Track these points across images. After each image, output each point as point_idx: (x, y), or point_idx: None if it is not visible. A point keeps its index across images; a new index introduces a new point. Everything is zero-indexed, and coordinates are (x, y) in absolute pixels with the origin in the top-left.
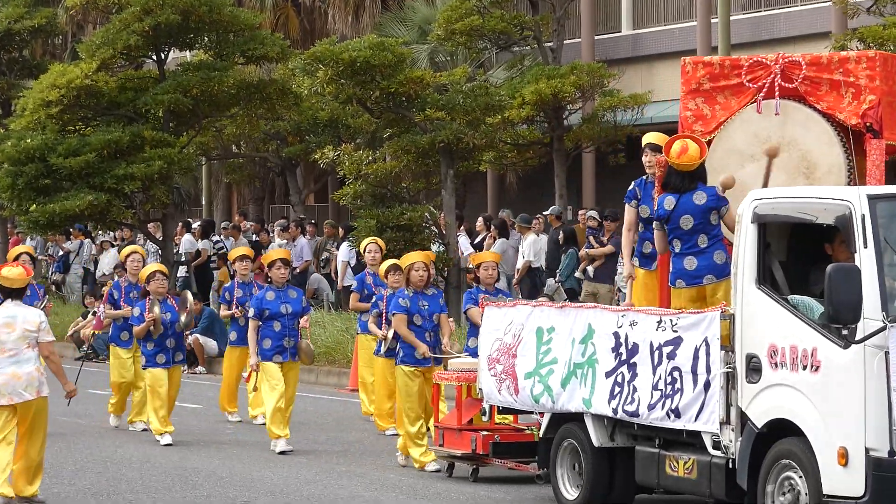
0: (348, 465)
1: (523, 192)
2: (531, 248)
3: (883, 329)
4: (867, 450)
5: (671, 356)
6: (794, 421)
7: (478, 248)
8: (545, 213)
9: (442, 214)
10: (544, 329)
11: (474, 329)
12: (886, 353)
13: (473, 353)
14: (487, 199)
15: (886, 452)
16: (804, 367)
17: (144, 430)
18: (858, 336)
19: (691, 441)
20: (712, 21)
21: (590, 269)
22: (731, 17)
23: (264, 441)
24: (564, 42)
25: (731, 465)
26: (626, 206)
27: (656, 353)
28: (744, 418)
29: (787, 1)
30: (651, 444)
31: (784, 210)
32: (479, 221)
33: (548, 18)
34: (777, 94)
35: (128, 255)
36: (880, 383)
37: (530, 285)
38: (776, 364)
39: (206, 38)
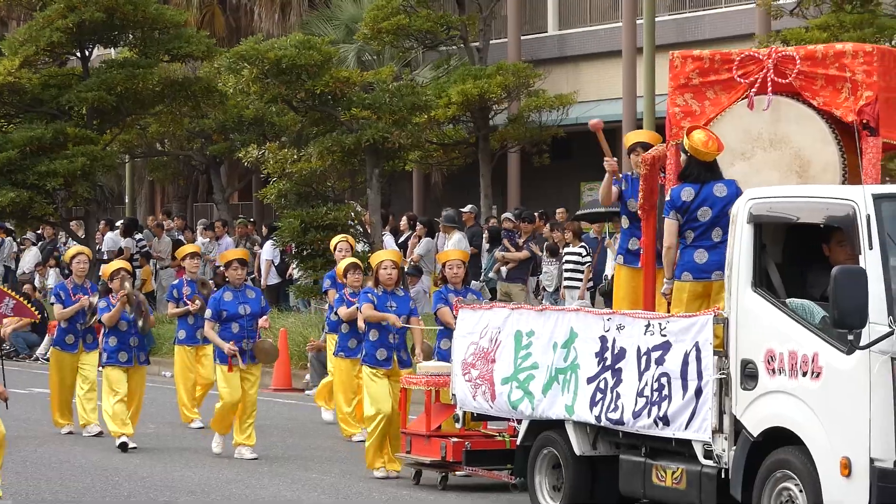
0: (270, 464)
1: (449, 191)
2: (456, 247)
3: (890, 334)
4: (871, 460)
5: (660, 361)
6: (792, 429)
7: (402, 247)
8: (463, 210)
9: (367, 214)
10: (523, 333)
11: (445, 331)
12: (893, 360)
13: (444, 355)
14: (413, 199)
15: (892, 463)
16: (804, 374)
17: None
18: (863, 341)
19: (680, 450)
20: (637, 22)
21: (503, 269)
22: (657, 19)
23: (186, 442)
24: (490, 42)
25: (723, 476)
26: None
27: (644, 359)
28: (738, 426)
29: (712, 2)
30: (636, 453)
31: (782, 210)
32: (404, 221)
33: (474, 18)
34: (770, 89)
35: (73, 256)
36: (886, 390)
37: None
38: (774, 370)
39: (131, 36)
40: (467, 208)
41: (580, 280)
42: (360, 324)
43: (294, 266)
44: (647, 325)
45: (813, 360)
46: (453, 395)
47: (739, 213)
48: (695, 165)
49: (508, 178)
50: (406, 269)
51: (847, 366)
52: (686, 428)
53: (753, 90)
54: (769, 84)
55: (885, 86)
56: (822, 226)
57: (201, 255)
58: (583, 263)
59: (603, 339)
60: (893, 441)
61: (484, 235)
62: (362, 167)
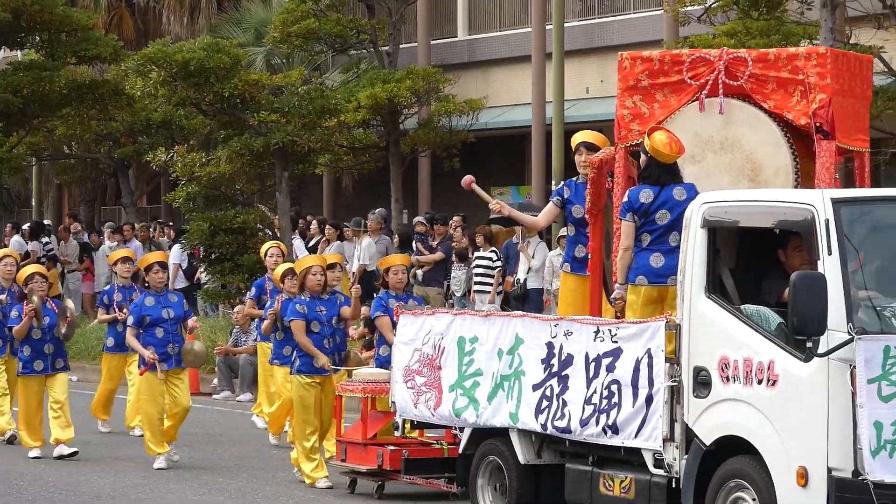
0: (177, 469)
1: (359, 195)
2: (366, 251)
3: (850, 341)
4: (829, 469)
5: (610, 368)
6: (747, 438)
7: (312, 251)
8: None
9: (276, 217)
10: (466, 339)
11: (383, 338)
12: (853, 368)
13: (383, 362)
14: (323, 202)
15: (850, 473)
16: (759, 382)
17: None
18: (822, 349)
19: (629, 459)
20: (547, 27)
21: (419, 272)
22: (566, 24)
23: (95, 447)
24: (400, 46)
25: (673, 485)
26: (550, 202)
27: (592, 365)
28: (690, 435)
29: (621, 8)
30: (583, 462)
31: (737, 214)
32: (314, 225)
33: (384, 23)
34: (721, 91)
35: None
36: (845, 398)
37: (366, 289)
38: (728, 378)
39: (38, 38)
40: (375, 213)
41: (490, 285)
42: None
43: (202, 270)
44: (597, 332)
45: (769, 368)
46: (393, 402)
47: (693, 217)
48: (655, 167)
49: (419, 183)
50: None
51: (805, 373)
52: (636, 436)
53: (704, 92)
54: (720, 86)
55: (839, 89)
56: (777, 231)
57: (133, 259)
58: (493, 268)
59: (549, 346)
60: (852, 450)
61: (394, 240)
62: (271, 171)
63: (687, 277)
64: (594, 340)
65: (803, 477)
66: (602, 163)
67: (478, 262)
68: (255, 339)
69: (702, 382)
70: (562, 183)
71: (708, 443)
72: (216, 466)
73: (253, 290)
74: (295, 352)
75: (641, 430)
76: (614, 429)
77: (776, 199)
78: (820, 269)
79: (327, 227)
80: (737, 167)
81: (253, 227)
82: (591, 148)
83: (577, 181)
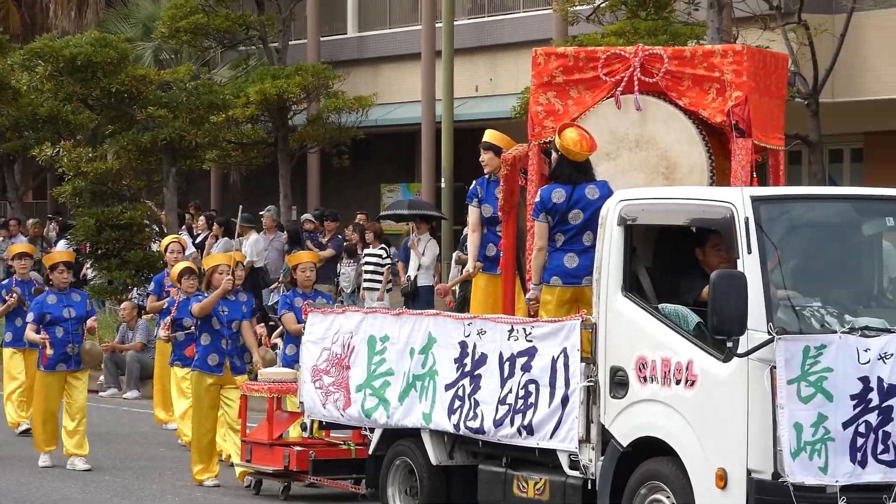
0: (62, 467)
1: (247, 191)
2: (253, 247)
3: (770, 341)
4: (749, 471)
5: (525, 368)
6: (665, 440)
7: (199, 247)
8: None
9: (163, 213)
10: (377, 338)
11: (291, 337)
12: (773, 368)
13: (289, 361)
14: (211, 198)
15: (770, 475)
16: (678, 382)
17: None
18: (742, 349)
19: (544, 460)
20: (437, 25)
21: None
22: (455, 22)
23: None
24: (290, 43)
25: (589, 487)
26: (469, 206)
27: (507, 365)
28: (606, 436)
29: (510, 7)
30: (496, 463)
31: (655, 212)
32: (201, 220)
33: (273, 19)
34: (636, 88)
35: None
36: (764, 400)
37: (252, 285)
38: (645, 378)
39: None
40: (271, 209)
41: (380, 282)
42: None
43: (88, 266)
44: (511, 331)
45: (687, 368)
46: (301, 402)
47: (609, 214)
48: (566, 165)
49: (308, 179)
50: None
51: (724, 374)
52: (551, 437)
53: (619, 89)
54: (636, 83)
55: (755, 86)
56: (694, 229)
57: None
58: (383, 265)
59: (463, 345)
60: (772, 452)
61: (283, 236)
62: (159, 166)
63: (603, 276)
64: (508, 339)
65: (722, 479)
66: (515, 160)
67: (367, 258)
68: (156, 336)
69: (619, 383)
70: (473, 182)
71: (625, 444)
72: (102, 464)
73: (152, 285)
74: (195, 347)
75: (557, 431)
76: (529, 430)
77: (695, 197)
78: (739, 268)
79: (215, 223)
80: (651, 165)
81: (140, 223)
82: (490, 148)
83: (489, 179)
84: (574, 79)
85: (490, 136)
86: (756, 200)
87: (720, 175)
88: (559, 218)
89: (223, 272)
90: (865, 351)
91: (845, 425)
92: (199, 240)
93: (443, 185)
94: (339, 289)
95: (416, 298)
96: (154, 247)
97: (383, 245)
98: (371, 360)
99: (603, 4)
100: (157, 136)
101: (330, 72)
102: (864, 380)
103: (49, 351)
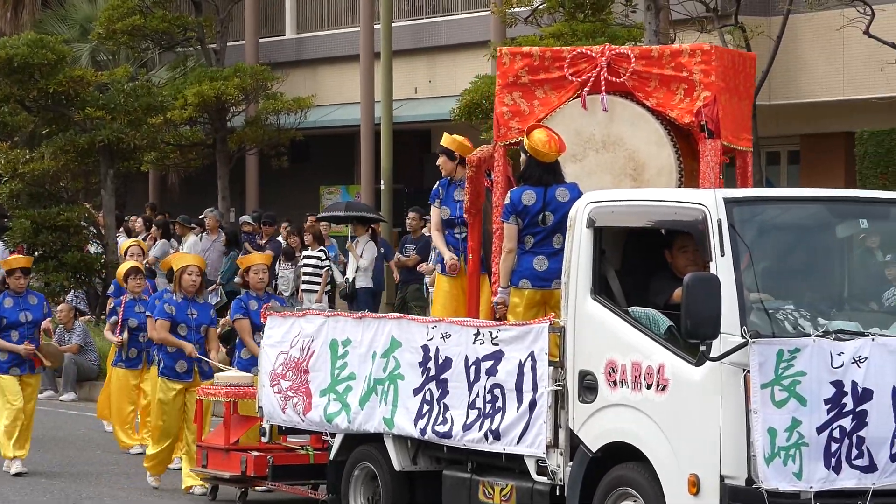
0: None
1: (186, 193)
2: (191, 249)
3: (744, 345)
4: (722, 477)
5: (491, 372)
6: (635, 445)
7: None
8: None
9: (101, 215)
10: (339, 342)
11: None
12: (746, 372)
13: (244, 365)
14: (149, 200)
15: (744, 480)
16: (649, 386)
17: None
18: (715, 352)
19: (510, 465)
20: (375, 27)
21: None
22: (394, 24)
23: None
24: (228, 44)
25: (557, 493)
26: (431, 206)
27: (472, 369)
28: (575, 441)
29: (448, 9)
30: (461, 469)
31: (625, 214)
32: (139, 222)
33: (211, 20)
34: (603, 88)
35: None
36: (738, 404)
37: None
38: (615, 382)
39: None
40: (214, 211)
41: (319, 284)
42: (154, 335)
43: None
44: (477, 334)
45: (658, 372)
46: (260, 407)
47: (578, 216)
48: (535, 167)
49: (247, 181)
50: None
51: (696, 378)
52: (518, 442)
53: (586, 89)
54: (602, 83)
55: (724, 86)
56: (662, 231)
57: None
58: (322, 267)
59: (425, 349)
60: (745, 457)
61: (221, 238)
62: (96, 168)
63: (572, 279)
64: (474, 343)
65: (695, 485)
66: (480, 161)
67: (306, 260)
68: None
69: (588, 387)
70: (436, 184)
71: (594, 449)
72: (39, 466)
73: (112, 287)
74: (159, 353)
75: (524, 436)
76: (496, 434)
77: (666, 199)
78: (712, 271)
79: (153, 224)
80: (619, 166)
81: (77, 225)
82: (444, 152)
83: (450, 181)
84: (540, 78)
85: (445, 140)
86: (729, 202)
87: (688, 177)
88: (529, 220)
89: (192, 273)
90: (839, 355)
91: (819, 430)
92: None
93: (382, 187)
94: (278, 291)
95: (355, 300)
96: (91, 249)
97: (322, 248)
98: (334, 364)
99: (541, 6)
100: (95, 137)
101: (268, 73)
102: (838, 384)
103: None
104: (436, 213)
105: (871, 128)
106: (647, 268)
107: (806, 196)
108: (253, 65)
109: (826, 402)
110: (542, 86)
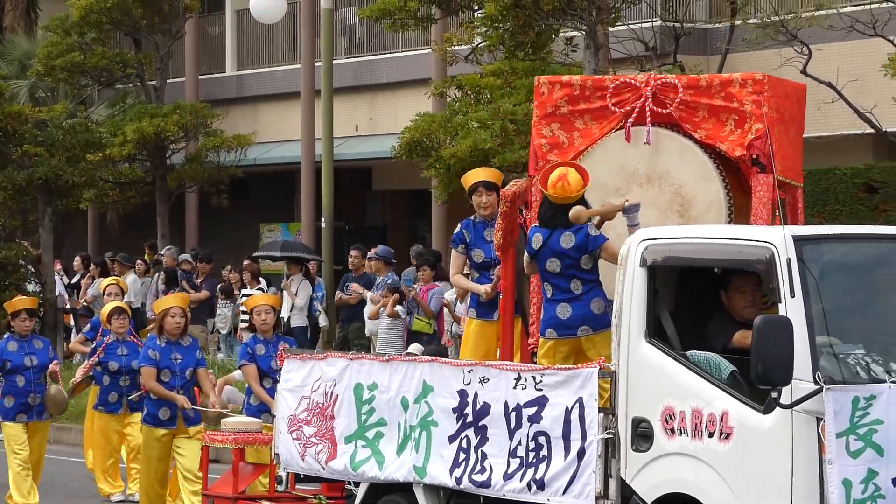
0: None
1: (125, 231)
2: (131, 287)
3: (819, 391)
4: None
5: (534, 419)
6: (695, 496)
7: (74, 287)
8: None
9: (39, 252)
10: (364, 386)
11: (251, 387)
12: (819, 420)
13: (253, 412)
14: (88, 238)
15: None
16: (711, 435)
17: None
18: (786, 399)
19: None
20: (316, 64)
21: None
22: (335, 61)
23: None
24: (168, 81)
25: None
26: (453, 251)
27: (513, 415)
28: (627, 492)
29: (389, 47)
30: None
31: (684, 252)
32: (77, 260)
33: (151, 57)
34: (649, 119)
35: None
36: (811, 455)
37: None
38: (673, 430)
39: None
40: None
41: None
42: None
43: None
44: (518, 378)
45: (722, 420)
46: (276, 454)
47: (630, 255)
48: (547, 207)
49: (186, 219)
50: (78, 310)
51: (764, 426)
52: (565, 493)
53: (630, 120)
54: (648, 114)
55: (776, 118)
56: (716, 270)
57: None
58: None
59: (462, 393)
60: None
61: (160, 276)
62: (34, 205)
63: (624, 320)
64: (515, 388)
65: None
66: (515, 196)
67: (244, 299)
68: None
69: (642, 435)
70: (458, 226)
71: (649, 501)
72: None
73: (88, 327)
74: (144, 400)
75: (571, 486)
76: (540, 484)
77: (730, 237)
78: (781, 312)
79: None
80: (665, 201)
81: (15, 263)
82: (491, 187)
83: (475, 221)
84: (580, 108)
85: (488, 174)
86: (798, 240)
87: (738, 213)
88: (541, 266)
89: (175, 315)
90: None
91: None
92: (74, 280)
93: (323, 224)
94: (215, 329)
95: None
96: (30, 287)
97: (261, 286)
98: (360, 409)
99: (481, 45)
100: (33, 174)
101: (208, 110)
102: None
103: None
104: (458, 258)
105: (809, 167)
106: (702, 309)
107: (877, 234)
108: (193, 102)
109: None
110: (583, 116)
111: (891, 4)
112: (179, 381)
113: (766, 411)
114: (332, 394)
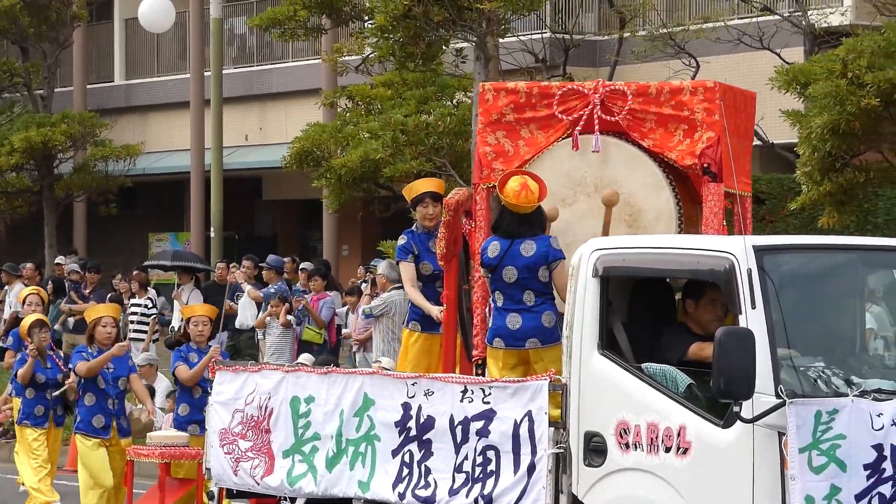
0: None
1: (13, 240)
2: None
3: (781, 405)
4: None
5: (482, 433)
6: None
7: None
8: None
9: None
10: (301, 399)
11: (185, 395)
12: (781, 435)
13: (181, 423)
14: None
15: None
16: (668, 450)
17: None
18: (746, 413)
19: None
20: (206, 74)
21: (70, 320)
22: (224, 71)
23: None
24: (56, 90)
25: None
26: (402, 262)
27: (459, 429)
28: None
29: (279, 57)
30: None
31: (639, 262)
32: None
33: (38, 66)
34: (597, 127)
35: None
36: (773, 470)
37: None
38: (628, 444)
39: None
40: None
41: (146, 331)
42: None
43: None
44: (465, 391)
45: (679, 434)
46: (208, 469)
47: (582, 265)
48: (507, 216)
49: (74, 228)
50: None
51: (724, 441)
52: None
53: (578, 128)
54: (596, 122)
55: (727, 126)
56: (667, 281)
57: None
58: (148, 315)
59: (406, 406)
60: None
61: (48, 287)
62: None
63: (576, 332)
64: (461, 401)
65: None
66: (458, 204)
67: (133, 308)
68: (10, 393)
69: (595, 449)
70: (405, 237)
71: None
72: None
73: (10, 339)
74: (77, 408)
75: (520, 502)
76: (488, 500)
77: (687, 247)
78: (741, 324)
79: None
80: (613, 211)
81: None
82: (437, 198)
83: (418, 232)
84: (526, 117)
85: (431, 185)
86: (759, 250)
87: (688, 222)
88: (494, 275)
89: (107, 325)
90: (878, 416)
91: (858, 497)
92: None
93: (212, 234)
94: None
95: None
96: None
97: (149, 296)
98: (297, 423)
99: (372, 55)
100: None
101: (97, 120)
102: (878, 447)
103: None
104: (409, 269)
105: None
106: (655, 321)
107: (840, 244)
108: (81, 111)
109: (865, 467)
110: (529, 124)
111: (777, 17)
112: (114, 392)
113: (726, 425)
114: (266, 407)
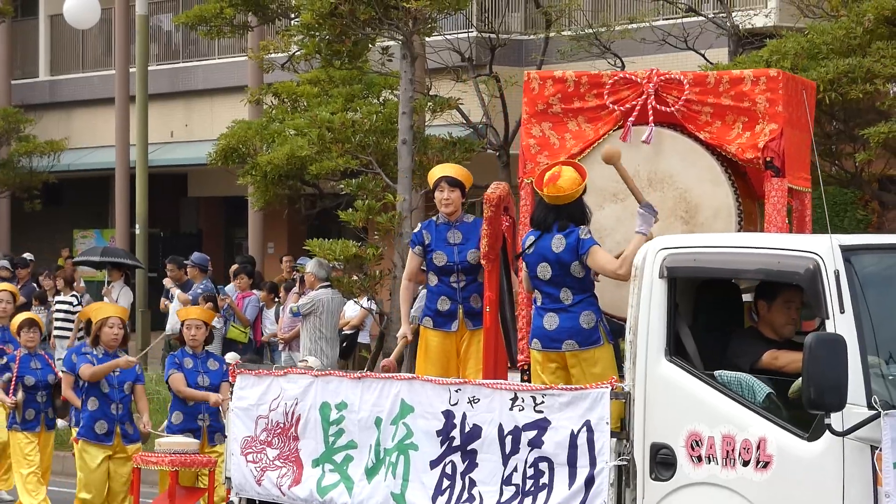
0: None
1: None
2: None
3: (876, 416)
4: None
5: (535, 443)
6: None
7: None
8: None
9: None
10: (332, 405)
11: (178, 403)
12: (874, 449)
13: (175, 430)
14: None
15: None
16: (745, 463)
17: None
18: (836, 425)
19: None
20: (131, 70)
21: None
22: (150, 67)
23: None
24: None
25: None
26: (411, 251)
27: (509, 439)
28: None
29: (205, 54)
30: None
31: (711, 263)
32: None
33: None
34: (651, 118)
35: None
36: (864, 486)
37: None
38: (700, 457)
39: None
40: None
41: (71, 329)
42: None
43: None
44: (514, 399)
45: (759, 447)
46: (228, 478)
47: (647, 265)
48: (539, 207)
49: None
50: None
51: (810, 455)
52: None
53: (631, 119)
54: (650, 112)
55: (789, 118)
56: (734, 282)
57: None
58: (74, 312)
59: (448, 414)
60: None
61: None
62: None
63: (640, 336)
64: (511, 409)
65: None
66: (500, 199)
67: (58, 305)
68: None
69: (662, 462)
70: (419, 226)
71: None
72: None
73: None
74: (80, 414)
75: None
76: None
77: (766, 246)
78: (829, 330)
79: None
80: (668, 207)
81: None
82: (454, 184)
83: (438, 222)
84: (574, 107)
85: (452, 170)
86: (847, 250)
87: (747, 220)
88: (531, 271)
89: (114, 326)
90: None
91: None
92: None
93: (137, 231)
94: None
95: None
96: None
97: (74, 292)
98: (327, 431)
99: (298, 53)
100: None
101: (21, 115)
102: None
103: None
104: (412, 261)
105: None
106: (722, 325)
107: None
108: (5, 107)
109: None
110: (577, 116)
111: (701, 19)
112: (118, 396)
113: (812, 438)
114: (293, 413)
